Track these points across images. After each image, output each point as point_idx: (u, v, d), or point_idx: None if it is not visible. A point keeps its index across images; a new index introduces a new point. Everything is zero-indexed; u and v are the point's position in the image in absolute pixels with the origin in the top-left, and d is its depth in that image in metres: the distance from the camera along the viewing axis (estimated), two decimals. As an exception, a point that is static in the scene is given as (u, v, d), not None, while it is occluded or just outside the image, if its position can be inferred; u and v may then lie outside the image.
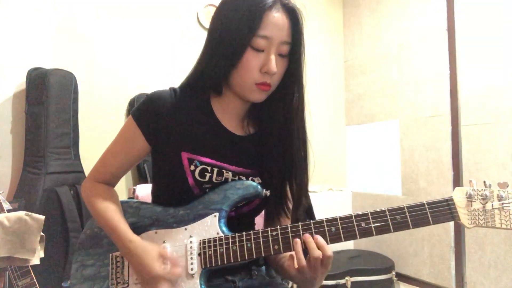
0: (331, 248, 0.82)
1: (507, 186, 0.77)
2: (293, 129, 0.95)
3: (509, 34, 2.08)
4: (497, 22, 2.13)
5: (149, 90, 0.99)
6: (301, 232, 0.83)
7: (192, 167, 0.91)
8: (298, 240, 0.81)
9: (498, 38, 2.12)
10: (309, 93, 3.11)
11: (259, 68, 0.87)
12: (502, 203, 0.76)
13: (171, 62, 2.41)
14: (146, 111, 0.94)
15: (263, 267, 1.05)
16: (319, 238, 0.81)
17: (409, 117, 2.65)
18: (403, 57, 2.69)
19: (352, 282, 2.34)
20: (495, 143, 2.13)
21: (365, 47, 3.01)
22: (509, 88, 2.08)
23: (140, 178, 2.27)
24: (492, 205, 0.77)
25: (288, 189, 0.99)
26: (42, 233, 1.50)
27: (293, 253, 0.83)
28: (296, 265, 0.83)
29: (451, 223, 2.35)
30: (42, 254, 1.53)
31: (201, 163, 0.92)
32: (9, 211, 1.48)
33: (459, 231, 2.32)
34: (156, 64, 2.39)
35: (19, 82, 2.02)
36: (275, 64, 0.87)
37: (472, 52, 2.25)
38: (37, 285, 1.50)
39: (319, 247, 0.80)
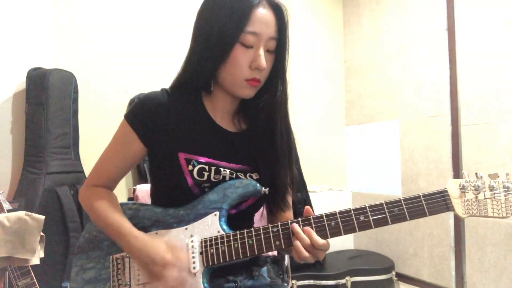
0: (332, 245, 0.85)
1: (498, 177, 0.81)
2: (277, 122, 0.96)
3: (509, 34, 2.08)
4: (497, 22, 2.13)
5: (149, 90, 0.99)
6: (301, 228, 0.84)
7: (190, 167, 0.92)
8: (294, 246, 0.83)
9: (498, 38, 2.12)
10: (309, 93, 3.09)
11: (248, 64, 0.89)
12: (494, 193, 0.80)
13: (171, 62, 2.40)
14: (140, 113, 0.94)
15: (264, 268, 1.05)
16: (308, 230, 0.83)
17: (409, 117, 2.66)
18: (403, 57, 2.69)
19: (352, 282, 2.34)
20: (495, 143, 2.13)
21: (365, 47, 3.01)
22: (509, 88, 2.08)
23: (140, 178, 2.27)
24: (484, 195, 0.81)
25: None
26: (42, 233, 1.50)
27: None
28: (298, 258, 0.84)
29: (451, 223, 2.35)
30: (42, 254, 1.53)
31: (199, 162, 0.92)
32: (9, 211, 1.48)
33: (459, 231, 2.32)
34: (156, 64, 2.39)
35: (19, 82, 2.02)
36: (264, 60, 0.88)
37: (472, 52, 2.26)
38: (37, 285, 1.50)
39: (308, 236, 0.82)
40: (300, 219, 0.86)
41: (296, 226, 0.83)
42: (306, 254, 0.82)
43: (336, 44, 3.19)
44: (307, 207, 0.87)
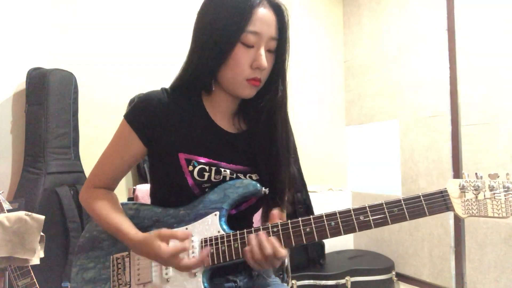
0: (332, 245, 0.83)
1: (498, 177, 0.81)
2: (277, 122, 0.96)
3: (509, 34, 2.08)
4: (497, 22, 2.13)
5: (149, 90, 0.98)
6: (301, 228, 0.85)
7: (191, 168, 0.92)
8: (247, 249, 0.84)
9: (498, 38, 2.12)
10: (309, 93, 3.09)
11: (249, 64, 0.89)
12: (494, 193, 0.80)
13: (171, 62, 2.40)
14: (140, 113, 0.94)
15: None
16: (272, 239, 0.84)
17: (409, 117, 2.66)
18: (403, 57, 2.69)
19: (352, 282, 2.34)
20: (495, 143, 2.13)
21: (365, 47, 3.01)
22: (509, 88, 2.08)
23: (140, 178, 2.27)
24: (484, 195, 0.81)
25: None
26: (42, 233, 1.50)
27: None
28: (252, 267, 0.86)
29: (451, 223, 2.35)
30: (42, 254, 1.53)
31: (199, 163, 0.92)
32: (9, 211, 1.48)
33: (459, 231, 2.32)
34: (156, 64, 2.39)
35: (19, 82, 2.02)
36: (265, 59, 0.88)
37: (472, 52, 2.26)
38: (37, 285, 1.50)
39: (272, 247, 0.82)
40: (300, 219, 0.86)
41: (262, 235, 0.84)
42: (264, 263, 0.83)
43: (336, 44, 3.19)
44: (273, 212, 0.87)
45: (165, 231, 0.86)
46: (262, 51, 0.88)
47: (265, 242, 0.82)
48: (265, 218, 1.05)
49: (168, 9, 2.47)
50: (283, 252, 0.82)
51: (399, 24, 2.73)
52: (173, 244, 0.84)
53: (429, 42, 2.50)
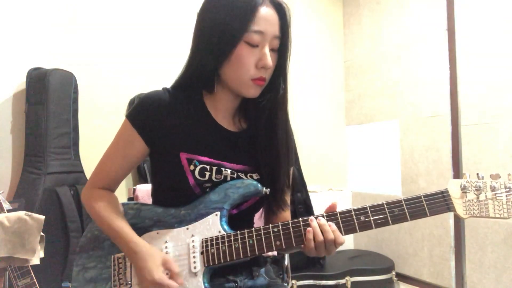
0: None
1: (499, 178, 0.81)
2: (278, 121, 0.96)
3: (509, 34, 2.08)
4: (497, 22, 2.13)
5: (149, 90, 0.98)
6: (302, 228, 0.84)
7: (192, 167, 0.92)
8: (310, 229, 0.83)
9: (498, 38, 2.12)
10: (309, 93, 3.08)
11: (254, 64, 0.89)
12: (495, 194, 0.80)
13: (171, 62, 2.40)
14: (142, 113, 0.94)
15: (264, 268, 1.05)
16: (333, 225, 0.83)
17: (409, 117, 2.66)
18: (403, 57, 2.69)
19: (352, 282, 2.34)
20: (495, 143, 2.13)
21: (365, 47, 3.01)
22: (509, 88, 2.08)
23: (140, 178, 2.26)
24: (486, 195, 0.80)
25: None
26: (42, 233, 1.50)
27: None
28: (309, 252, 0.85)
29: (451, 223, 2.35)
30: (42, 254, 1.53)
31: (200, 162, 0.92)
32: (9, 211, 1.48)
33: (459, 231, 2.32)
34: (156, 64, 2.39)
35: (19, 82, 2.02)
36: (270, 59, 0.88)
37: (472, 52, 2.26)
38: (37, 285, 1.50)
39: (332, 231, 0.82)
40: (300, 219, 0.86)
41: (322, 219, 0.84)
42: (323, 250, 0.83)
43: (336, 44, 3.19)
44: (333, 203, 0.87)
45: (172, 264, 0.86)
46: (267, 50, 0.88)
47: (327, 226, 0.82)
48: (267, 219, 1.05)
49: (168, 9, 2.47)
50: (343, 239, 0.83)
51: (399, 24, 2.73)
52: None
53: (429, 42, 2.50)
